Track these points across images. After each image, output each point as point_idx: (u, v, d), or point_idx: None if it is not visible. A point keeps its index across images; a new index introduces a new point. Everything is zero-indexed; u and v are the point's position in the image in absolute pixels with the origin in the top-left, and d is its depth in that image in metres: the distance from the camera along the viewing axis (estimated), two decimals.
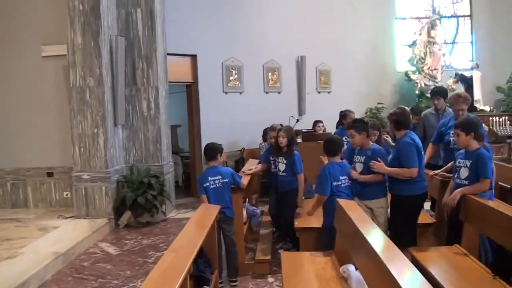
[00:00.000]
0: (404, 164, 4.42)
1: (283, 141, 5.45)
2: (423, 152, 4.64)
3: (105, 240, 6.52)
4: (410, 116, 4.78)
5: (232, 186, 4.92)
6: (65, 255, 5.54)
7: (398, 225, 4.43)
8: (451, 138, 5.20)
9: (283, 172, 5.47)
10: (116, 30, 7.40)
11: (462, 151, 4.40)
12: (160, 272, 2.69)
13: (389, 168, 4.49)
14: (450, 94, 6.33)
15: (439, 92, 6.47)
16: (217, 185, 4.80)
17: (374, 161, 4.51)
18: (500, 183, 5.32)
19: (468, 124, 4.37)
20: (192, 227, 3.78)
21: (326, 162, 4.78)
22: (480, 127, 4.48)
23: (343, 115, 7.19)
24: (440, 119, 6.14)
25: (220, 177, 4.82)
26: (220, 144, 5.06)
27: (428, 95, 10.94)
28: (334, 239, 4.20)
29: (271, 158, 5.82)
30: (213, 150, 4.93)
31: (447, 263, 3.88)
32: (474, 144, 4.28)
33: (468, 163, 4.26)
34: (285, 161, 5.43)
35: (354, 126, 4.70)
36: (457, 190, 4.24)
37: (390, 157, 4.68)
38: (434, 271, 3.66)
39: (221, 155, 4.97)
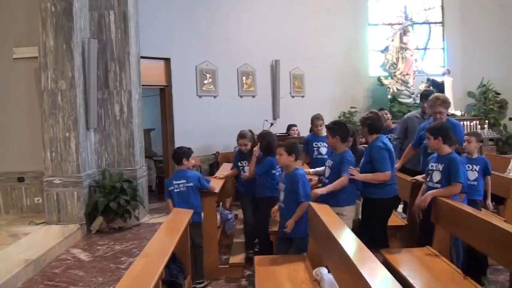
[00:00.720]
0: (378, 168, 4.47)
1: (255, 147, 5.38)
2: (394, 156, 4.70)
3: (77, 246, 6.43)
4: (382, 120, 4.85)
5: (203, 190, 4.92)
6: (36, 262, 5.44)
7: (371, 227, 4.47)
8: None
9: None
10: (89, 32, 7.30)
11: (435, 154, 4.48)
12: (131, 278, 2.64)
13: (362, 175, 4.51)
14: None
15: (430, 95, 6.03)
16: (181, 189, 4.80)
17: (352, 168, 4.50)
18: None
19: (436, 128, 4.45)
20: (164, 232, 3.74)
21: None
22: (451, 132, 4.55)
23: (310, 120, 6.84)
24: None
25: (184, 181, 4.81)
26: (189, 148, 5.04)
27: (400, 100, 11.17)
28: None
29: (239, 164, 5.71)
30: (178, 155, 4.93)
31: (419, 264, 3.94)
32: (446, 149, 4.36)
33: (440, 167, 4.34)
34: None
35: (331, 128, 4.65)
36: (428, 192, 4.32)
37: (361, 161, 4.73)
38: (405, 272, 3.71)
39: (187, 159, 4.94)
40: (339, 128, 4.64)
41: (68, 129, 6.78)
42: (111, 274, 5.31)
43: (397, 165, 5.29)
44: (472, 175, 4.77)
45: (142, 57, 8.18)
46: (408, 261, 4.03)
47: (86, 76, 7.01)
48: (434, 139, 4.36)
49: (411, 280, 3.54)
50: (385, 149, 4.52)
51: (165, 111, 9.53)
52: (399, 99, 11.26)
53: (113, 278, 5.12)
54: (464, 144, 4.82)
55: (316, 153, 6.46)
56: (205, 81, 9.99)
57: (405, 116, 6.66)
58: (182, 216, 4.26)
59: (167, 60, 9.39)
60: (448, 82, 11.36)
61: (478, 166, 4.78)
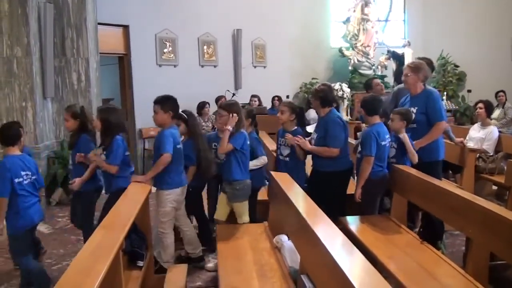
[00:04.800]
0: (329, 143, 4.48)
1: (98, 126, 4.56)
2: (348, 129, 4.70)
3: None
4: (335, 92, 4.80)
5: None
6: None
7: (327, 199, 4.45)
8: None
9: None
10: None
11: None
12: (91, 249, 2.57)
13: (311, 146, 4.56)
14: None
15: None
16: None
17: (300, 137, 4.54)
18: None
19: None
20: (124, 202, 3.67)
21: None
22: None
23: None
24: None
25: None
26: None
27: (361, 71, 11.30)
28: None
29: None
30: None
31: (377, 231, 4.06)
32: (371, 120, 4.49)
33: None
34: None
35: (160, 102, 4.46)
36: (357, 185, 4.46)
37: (315, 136, 4.71)
38: (363, 238, 3.84)
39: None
40: (169, 103, 4.38)
41: (24, 99, 6.56)
42: (72, 246, 5.28)
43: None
44: (392, 152, 4.56)
45: (99, 24, 7.93)
46: (367, 228, 4.14)
47: (42, 43, 6.76)
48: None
49: (369, 246, 3.66)
50: (340, 124, 4.54)
51: (124, 80, 9.34)
52: (360, 71, 11.38)
53: (74, 250, 5.07)
54: (389, 122, 4.64)
55: None
56: (165, 50, 9.80)
57: (396, 87, 5.98)
58: (143, 187, 4.19)
59: (125, 28, 9.15)
60: (408, 54, 11.50)
61: (397, 143, 4.57)
